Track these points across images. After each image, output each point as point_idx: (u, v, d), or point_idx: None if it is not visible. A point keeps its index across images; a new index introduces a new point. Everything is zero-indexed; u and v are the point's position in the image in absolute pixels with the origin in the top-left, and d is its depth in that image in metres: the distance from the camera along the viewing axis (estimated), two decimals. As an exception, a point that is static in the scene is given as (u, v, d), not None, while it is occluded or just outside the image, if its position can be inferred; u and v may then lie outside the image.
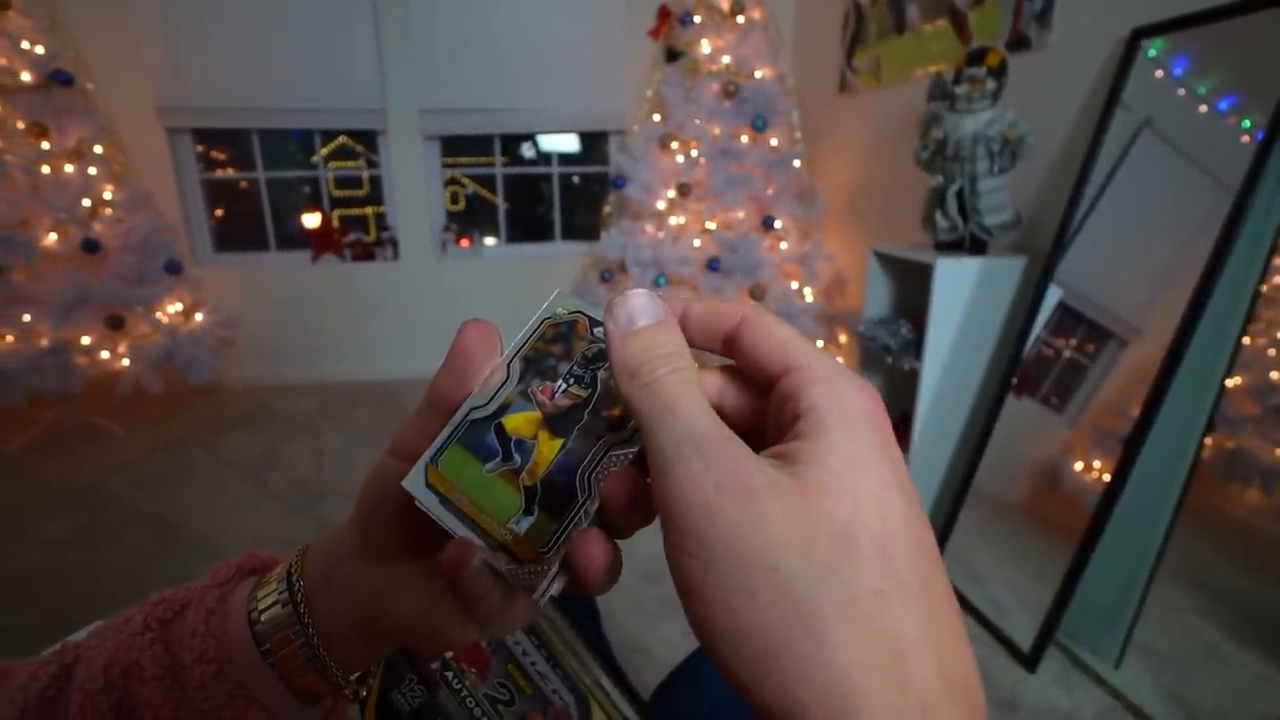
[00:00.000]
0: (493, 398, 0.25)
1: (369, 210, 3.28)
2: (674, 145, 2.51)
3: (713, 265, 2.44)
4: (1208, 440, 1.27)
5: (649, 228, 2.58)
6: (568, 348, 0.26)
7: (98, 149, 2.50)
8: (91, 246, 2.40)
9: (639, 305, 0.23)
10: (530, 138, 3.24)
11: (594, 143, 3.28)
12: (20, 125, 2.30)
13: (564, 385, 0.25)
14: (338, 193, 3.24)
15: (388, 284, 3.24)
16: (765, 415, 0.22)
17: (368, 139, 3.15)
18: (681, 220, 2.56)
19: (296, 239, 3.26)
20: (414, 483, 0.24)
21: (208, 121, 2.95)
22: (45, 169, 2.34)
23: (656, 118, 2.63)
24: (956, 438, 1.74)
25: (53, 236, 2.36)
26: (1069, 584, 1.31)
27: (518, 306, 3.21)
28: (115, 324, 2.47)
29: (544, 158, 3.28)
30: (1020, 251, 1.69)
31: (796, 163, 2.53)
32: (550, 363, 0.26)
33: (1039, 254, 1.61)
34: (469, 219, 3.36)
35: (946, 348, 1.66)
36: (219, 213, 3.22)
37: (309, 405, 2.97)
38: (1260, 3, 1.19)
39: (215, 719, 0.29)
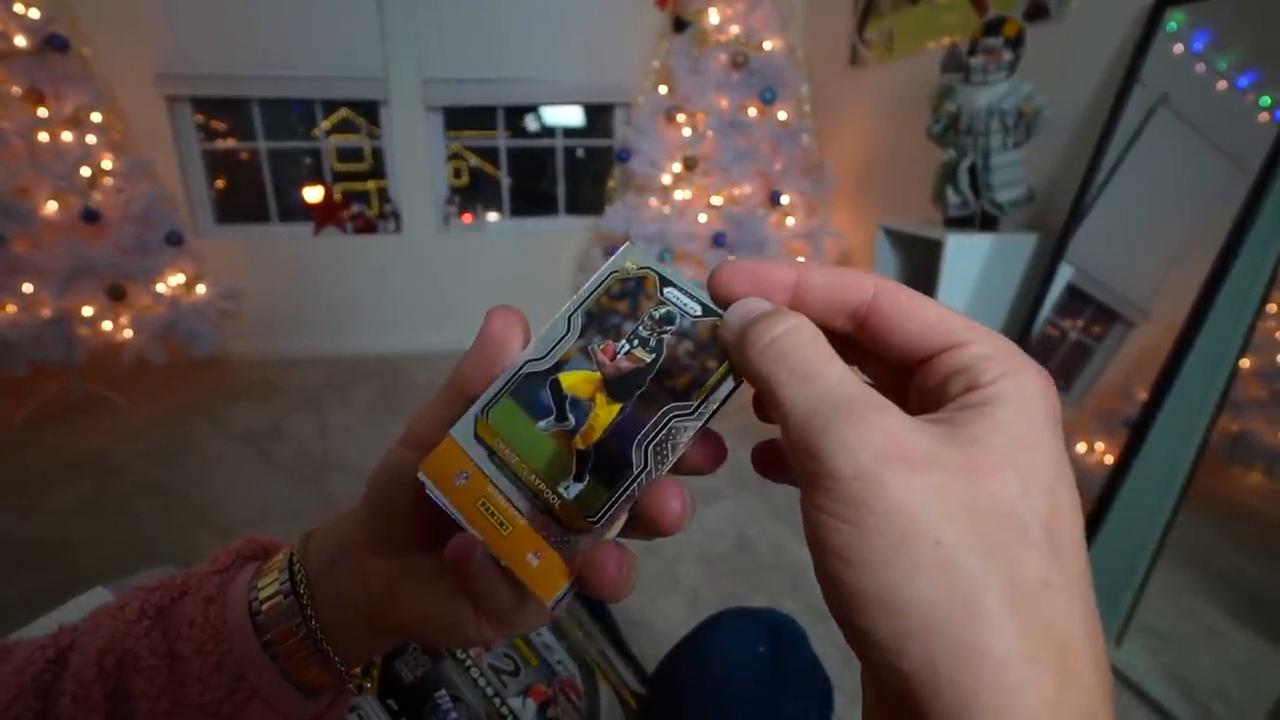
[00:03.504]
0: (550, 351, 0.24)
1: (371, 184, 3.24)
2: (680, 118, 2.47)
3: (718, 241, 2.41)
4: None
5: (654, 202, 2.55)
6: (634, 306, 0.24)
7: (96, 117, 2.46)
8: (91, 216, 2.37)
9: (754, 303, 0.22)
10: (534, 110, 3.18)
11: (599, 115, 3.23)
12: (16, 91, 2.27)
13: (627, 346, 0.23)
14: (339, 166, 3.20)
15: (390, 257, 3.21)
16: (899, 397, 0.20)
17: (370, 111, 3.10)
18: (687, 195, 2.53)
19: (298, 211, 3.23)
20: (463, 433, 0.23)
21: (207, 90, 2.90)
22: (43, 136, 2.30)
23: (663, 89, 2.58)
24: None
25: (52, 205, 2.33)
26: None
27: (521, 281, 3.20)
28: (116, 295, 2.46)
29: (548, 131, 3.23)
30: (1033, 228, 1.66)
31: (805, 137, 2.49)
32: (615, 320, 0.24)
33: (1052, 231, 1.58)
34: (472, 193, 3.33)
35: (954, 326, 1.65)
36: (220, 184, 3.19)
37: (312, 378, 2.97)
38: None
39: (214, 712, 0.28)
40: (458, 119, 3.15)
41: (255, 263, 3.13)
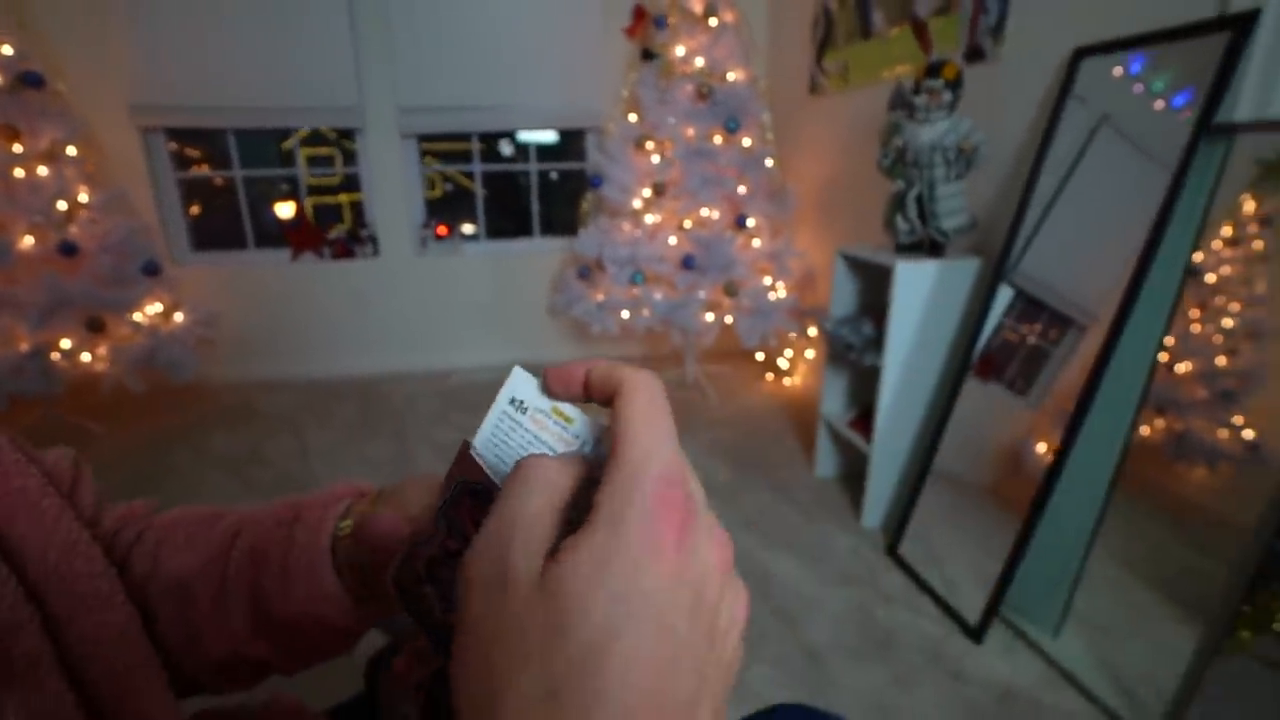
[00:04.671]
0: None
1: (344, 197, 3.27)
2: (649, 145, 2.58)
3: (688, 263, 2.52)
4: (1160, 423, 1.39)
5: (626, 225, 2.65)
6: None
7: (71, 150, 2.49)
8: (69, 249, 2.40)
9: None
10: (509, 134, 3.27)
11: (572, 138, 3.32)
12: (-9, 127, 2.29)
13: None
14: (313, 180, 3.23)
15: (369, 281, 3.27)
16: None
17: (345, 132, 3.16)
18: (657, 219, 2.63)
19: (275, 236, 3.27)
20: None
21: (182, 121, 2.94)
22: (18, 172, 2.33)
23: (633, 118, 2.69)
24: (916, 428, 1.85)
25: (28, 240, 2.35)
26: (1014, 558, 1.43)
27: (498, 301, 3.28)
28: (95, 326, 2.48)
29: (522, 152, 3.32)
30: (975, 253, 1.79)
31: (769, 162, 2.61)
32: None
33: (992, 255, 1.71)
34: (446, 206, 3.39)
35: (907, 345, 1.76)
36: (195, 210, 3.22)
37: (291, 401, 3.00)
38: (1194, 30, 1.29)
39: (306, 608, 0.41)
40: (433, 135, 3.22)
41: (232, 289, 3.16)
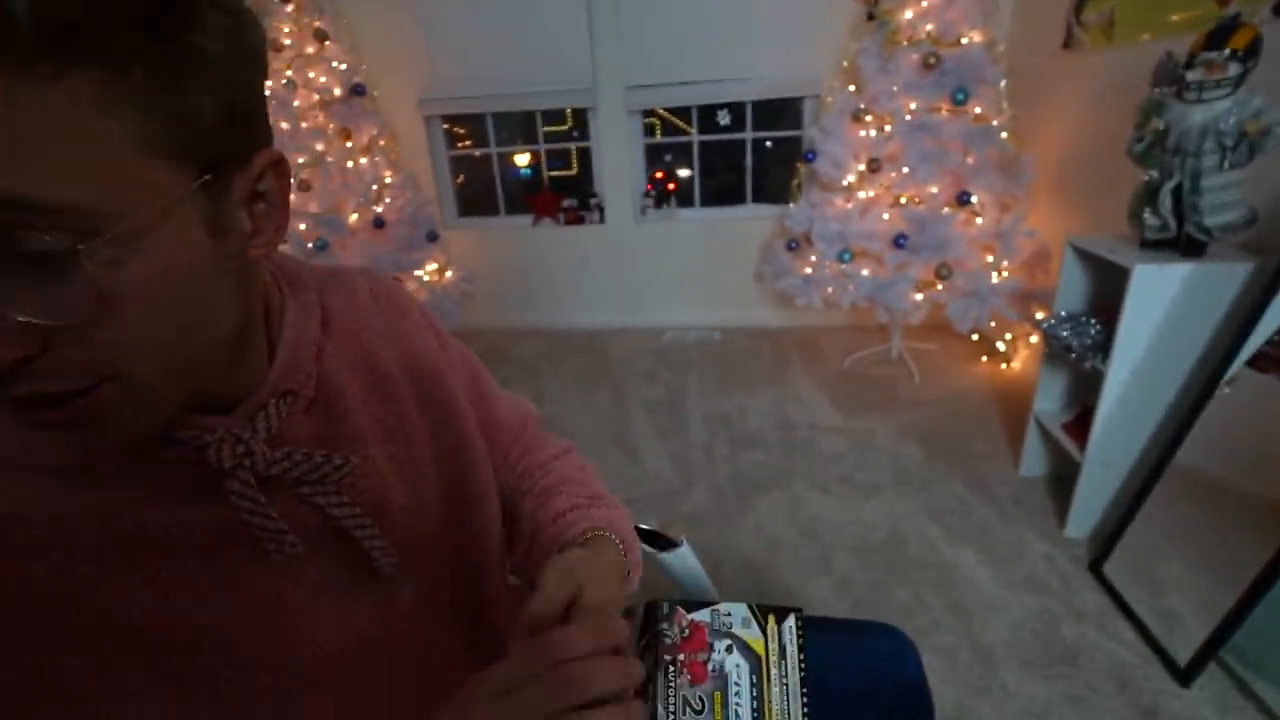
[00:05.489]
0: None
1: (576, 170, 3.68)
2: (867, 119, 2.51)
3: (899, 242, 2.46)
4: None
5: (838, 201, 2.64)
6: None
7: (381, 142, 3.14)
8: (379, 223, 3.07)
9: None
10: (727, 106, 3.36)
11: (790, 103, 3.32)
12: (332, 129, 2.98)
13: None
14: (551, 153, 3.67)
15: (595, 244, 3.66)
16: None
17: (563, 117, 3.53)
18: (871, 194, 2.58)
19: (520, 204, 3.79)
20: None
21: (453, 108, 3.52)
22: (349, 164, 3.01)
23: (851, 89, 2.62)
24: (1142, 441, 1.70)
25: (354, 217, 3.05)
26: (1250, 598, 1.27)
27: (708, 266, 3.48)
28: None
29: (738, 119, 3.40)
30: (1252, 252, 1.55)
31: (1001, 133, 2.40)
32: None
33: (1272, 257, 1.47)
34: (667, 172, 3.64)
35: (1139, 352, 1.61)
36: (460, 181, 3.85)
37: (532, 349, 3.54)
38: None
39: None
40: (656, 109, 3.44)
41: (486, 249, 3.76)
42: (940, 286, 2.49)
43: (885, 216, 2.54)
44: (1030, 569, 1.73)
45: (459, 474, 0.57)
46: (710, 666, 0.63)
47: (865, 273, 2.59)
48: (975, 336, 2.94)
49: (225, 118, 0.33)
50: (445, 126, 3.66)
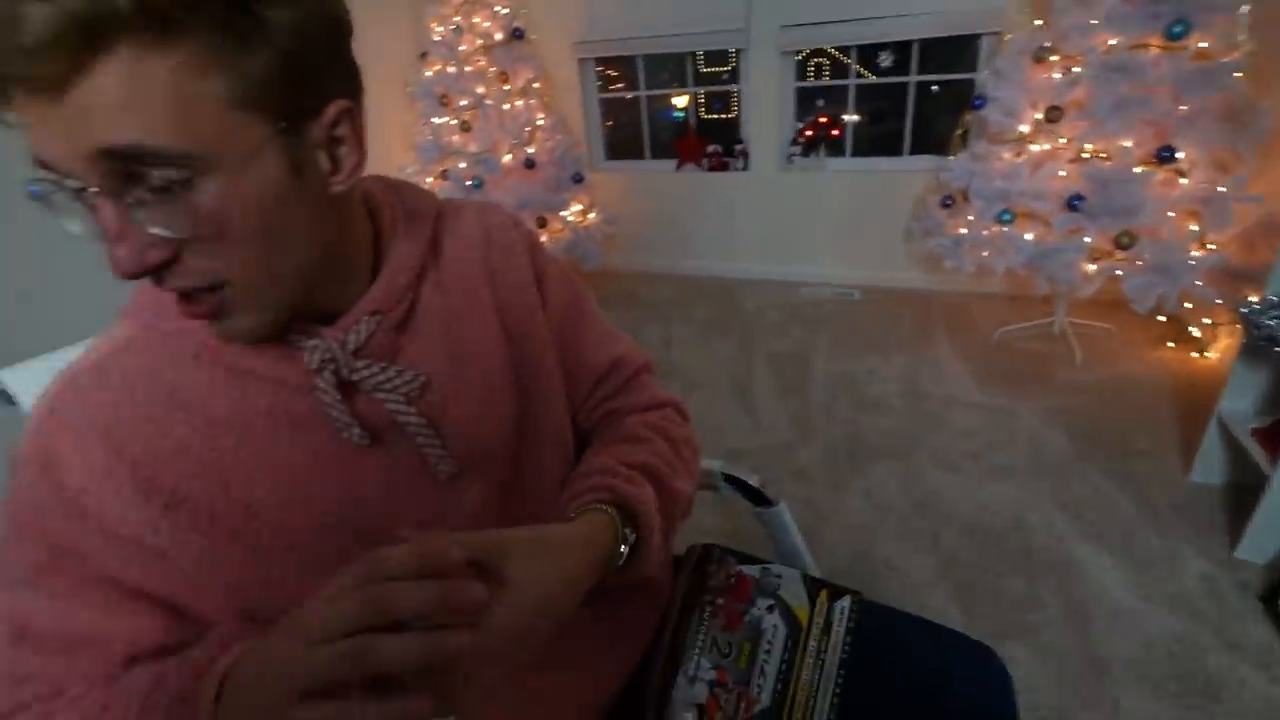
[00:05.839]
0: None
1: (728, 115, 3.58)
2: (1053, 59, 2.19)
3: (1073, 203, 2.16)
4: None
5: (1005, 154, 2.37)
6: None
7: (535, 85, 3.27)
8: (530, 164, 3.22)
9: None
10: (890, 46, 3.08)
11: (962, 43, 2.97)
12: (492, 72, 3.14)
13: None
14: (700, 96, 3.60)
15: (737, 192, 3.59)
16: None
17: (729, 58, 3.40)
18: (1045, 147, 2.28)
19: (666, 148, 3.79)
20: None
21: (606, 51, 3.55)
22: (506, 106, 3.17)
23: (1038, 23, 2.29)
24: (1357, 461, 1.41)
25: (508, 157, 3.23)
26: None
27: (853, 220, 3.29)
28: (541, 223, 3.33)
29: (900, 66, 3.11)
30: None
31: (1235, 74, 1.98)
32: None
33: None
34: (819, 121, 3.45)
35: (1369, 354, 1.33)
36: (609, 124, 3.91)
37: (664, 294, 3.61)
38: None
39: None
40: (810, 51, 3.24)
41: (630, 192, 3.82)
42: (1120, 257, 2.17)
43: (1061, 173, 2.24)
44: (1179, 586, 1.53)
45: (529, 406, 0.62)
46: (746, 619, 0.64)
47: (1028, 236, 2.32)
48: (1162, 318, 2.54)
49: (295, 76, 0.39)
50: (598, 69, 3.71)
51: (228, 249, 0.40)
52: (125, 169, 0.36)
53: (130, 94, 0.34)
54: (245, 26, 0.36)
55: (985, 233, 2.44)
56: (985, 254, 2.46)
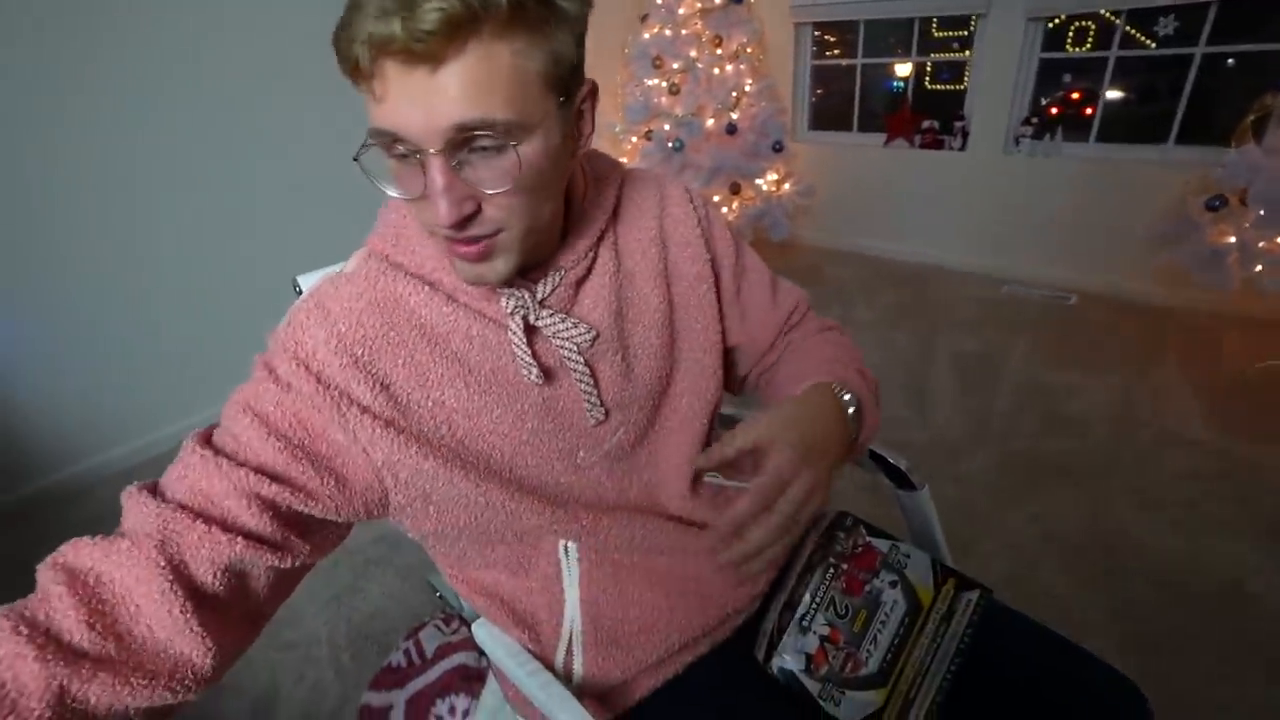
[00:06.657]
0: None
1: (957, 86, 3.28)
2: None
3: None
4: None
5: (1308, 151, 1.93)
6: None
7: (748, 50, 3.24)
8: (731, 129, 3.24)
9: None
10: (1174, 9, 2.60)
11: (1275, 6, 2.42)
12: (705, 37, 3.17)
13: None
14: (926, 66, 3.33)
15: (949, 174, 3.30)
16: None
17: (967, 23, 3.09)
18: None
19: (875, 120, 3.57)
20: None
21: (827, 15, 3.40)
22: (716, 70, 3.19)
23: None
24: None
25: (710, 122, 3.27)
26: None
27: (1085, 216, 2.89)
28: (735, 189, 3.35)
29: (1184, 34, 2.61)
30: None
31: None
32: None
33: None
34: (1064, 99, 3.04)
35: None
36: (819, 92, 3.76)
37: (850, 274, 3.46)
38: None
39: None
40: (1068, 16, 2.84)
41: (830, 165, 3.68)
42: None
43: (1390, 181, 1.78)
44: None
45: (677, 366, 0.68)
46: (868, 588, 0.66)
47: None
48: None
49: (577, 55, 0.47)
50: (815, 34, 3.57)
51: (516, 201, 0.47)
52: (461, 136, 0.43)
53: (486, 74, 0.42)
54: (552, 15, 0.44)
55: (1264, 245, 2.03)
56: (1259, 269, 2.06)
